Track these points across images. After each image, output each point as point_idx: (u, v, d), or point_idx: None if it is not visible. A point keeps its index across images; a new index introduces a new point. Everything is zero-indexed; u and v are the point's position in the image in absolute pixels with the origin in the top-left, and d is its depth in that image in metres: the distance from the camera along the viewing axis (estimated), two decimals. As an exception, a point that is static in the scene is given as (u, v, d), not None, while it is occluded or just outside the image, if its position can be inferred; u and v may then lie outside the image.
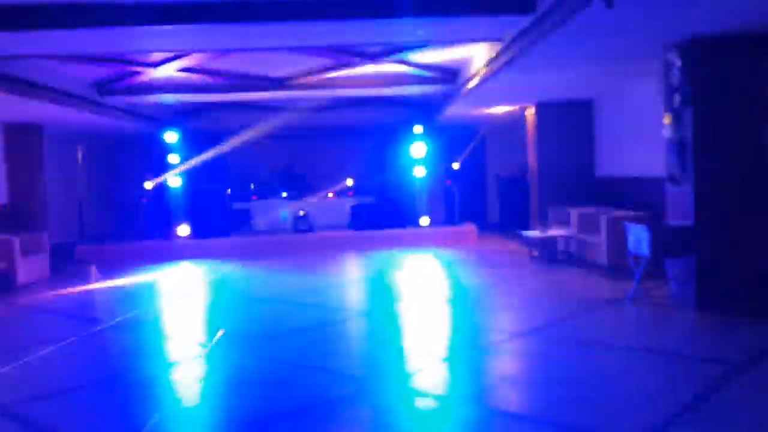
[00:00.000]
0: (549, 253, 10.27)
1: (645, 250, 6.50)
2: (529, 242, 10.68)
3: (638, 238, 6.65)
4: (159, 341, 6.34)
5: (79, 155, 14.14)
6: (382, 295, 8.31)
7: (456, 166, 14.40)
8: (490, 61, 8.29)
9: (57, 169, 13.47)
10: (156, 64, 8.73)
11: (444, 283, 9.08)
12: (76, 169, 14.19)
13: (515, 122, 14.19)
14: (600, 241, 9.30)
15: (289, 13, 6.16)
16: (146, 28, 6.21)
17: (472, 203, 15.62)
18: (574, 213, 10.33)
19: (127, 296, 8.77)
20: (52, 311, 7.95)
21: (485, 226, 14.08)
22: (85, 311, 7.92)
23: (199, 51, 7.69)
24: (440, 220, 14.03)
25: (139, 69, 8.89)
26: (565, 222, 11.17)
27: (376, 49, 8.70)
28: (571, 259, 10.18)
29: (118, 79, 9.72)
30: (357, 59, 8.88)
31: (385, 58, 8.99)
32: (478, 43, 7.67)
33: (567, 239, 10.26)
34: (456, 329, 6.42)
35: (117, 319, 7.22)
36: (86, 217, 14.25)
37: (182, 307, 8.07)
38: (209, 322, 7.19)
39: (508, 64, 7.86)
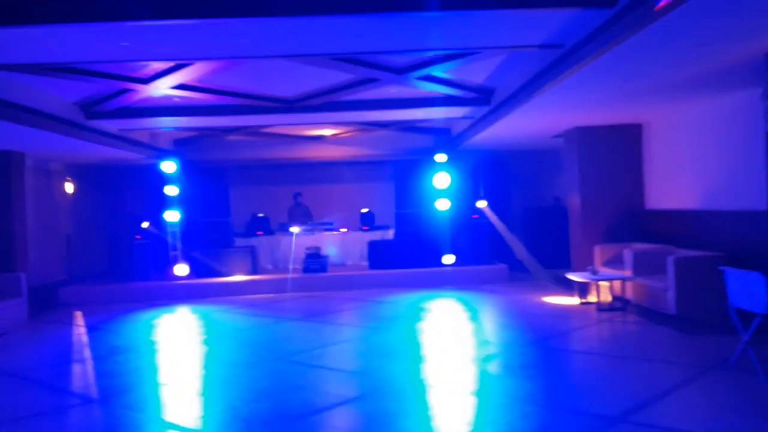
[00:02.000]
0: (603, 299, 8.84)
1: (759, 304, 5.08)
2: (577, 286, 9.26)
3: (748, 288, 5.23)
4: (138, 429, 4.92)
5: (69, 187, 12.86)
6: (405, 354, 6.86)
7: (480, 204, 13.08)
8: (541, 74, 7.00)
9: (43, 202, 12.21)
10: (147, 80, 7.47)
11: (480, 339, 7.62)
12: (64, 202, 12.91)
13: (548, 148, 12.90)
14: (666, 286, 7.87)
15: (296, 8, 4.89)
16: (128, 25, 4.96)
17: (496, 239, 14.15)
18: (628, 252, 8.91)
19: (111, 353, 7.36)
20: (13, 374, 6.54)
21: (512, 265, 12.65)
22: (56, 376, 6.49)
23: (194, 57, 6.40)
24: (466, 258, 12.61)
25: (127, 85, 7.62)
26: (615, 262, 9.76)
27: (403, 59, 7.39)
28: (628, 306, 8.74)
29: (105, 99, 8.47)
30: (380, 73, 7.59)
31: (413, 73, 7.70)
32: (532, 48, 6.35)
33: (623, 283, 8.83)
34: (518, 412, 4.95)
35: (91, 392, 5.83)
36: (75, 255, 12.92)
37: (174, 371, 6.65)
38: (204, 396, 5.74)
39: (565, 77, 6.57)
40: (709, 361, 5.81)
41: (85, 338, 8.47)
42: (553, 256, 13.21)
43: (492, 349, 6.82)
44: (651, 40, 5.11)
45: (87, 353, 7.55)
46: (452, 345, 7.16)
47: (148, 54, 6.04)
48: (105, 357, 7.22)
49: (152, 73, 7.27)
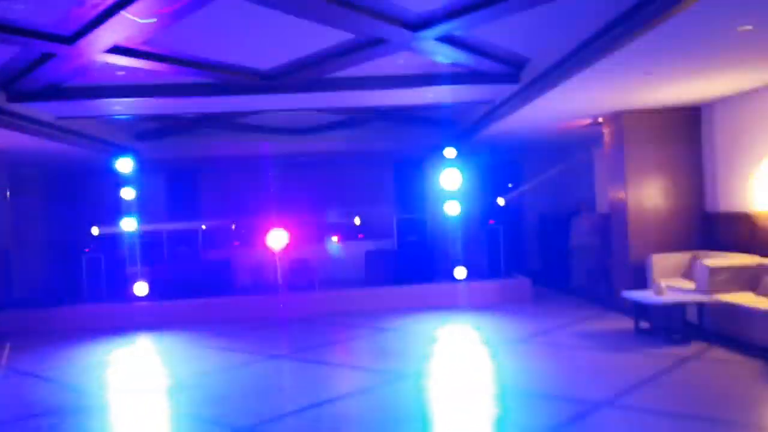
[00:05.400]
0: (671, 326, 6.90)
1: None
2: (633, 309, 7.33)
3: None
4: None
5: (7, 193, 10.75)
6: (428, 421, 4.90)
7: (501, 202, 11.18)
8: (612, 25, 5.08)
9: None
10: (71, 38, 5.44)
11: (526, 393, 5.62)
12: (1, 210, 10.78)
13: (574, 140, 11.02)
14: (766, 309, 5.98)
15: None
16: None
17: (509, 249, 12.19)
18: (702, 264, 7.02)
19: (30, 417, 5.32)
20: None
21: (536, 279, 10.69)
22: None
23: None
24: (481, 271, 10.67)
25: (46, 47, 5.60)
26: (678, 276, 7.90)
27: (422, 6, 5.42)
28: (705, 334, 6.82)
29: (26, 72, 6.44)
30: (387, 29, 5.61)
31: (431, 29, 5.72)
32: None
33: (698, 305, 6.90)
34: None
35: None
36: (12, 274, 10.76)
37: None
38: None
39: (646, 30, 4.69)
40: None
41: (9, 384, 6.42)
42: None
43: (548, 413, 4.85)
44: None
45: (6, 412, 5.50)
46: (489, 405, 5.19)
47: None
48: (21, 424, 5.17)
49: (75, 27, 5.24)
